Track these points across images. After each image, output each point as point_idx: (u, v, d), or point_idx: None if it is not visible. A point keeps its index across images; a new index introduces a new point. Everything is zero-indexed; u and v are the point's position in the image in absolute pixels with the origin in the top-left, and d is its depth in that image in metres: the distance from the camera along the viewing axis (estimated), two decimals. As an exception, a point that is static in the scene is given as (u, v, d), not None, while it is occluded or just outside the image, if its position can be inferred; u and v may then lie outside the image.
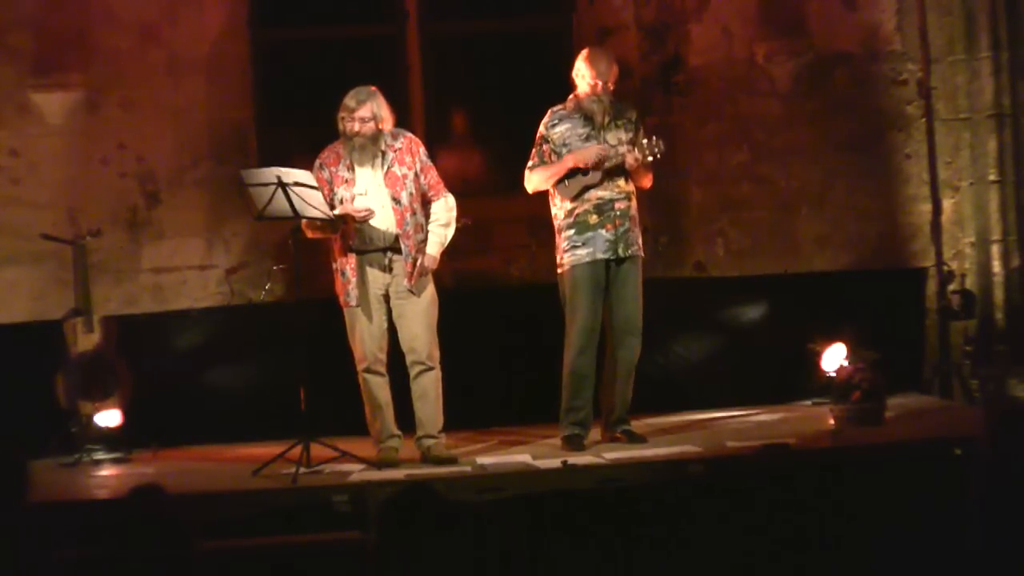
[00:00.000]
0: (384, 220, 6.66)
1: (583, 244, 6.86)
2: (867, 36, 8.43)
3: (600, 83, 6.88)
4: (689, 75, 8.41)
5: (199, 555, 3.80)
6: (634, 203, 6.95)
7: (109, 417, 7.38)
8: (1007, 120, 8.26)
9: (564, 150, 6.90)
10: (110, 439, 7.35)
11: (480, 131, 8.61)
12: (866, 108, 8.44)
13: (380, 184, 6.67)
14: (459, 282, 8.03)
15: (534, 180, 6.97)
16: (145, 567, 3.70)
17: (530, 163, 6.98)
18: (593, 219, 6.85)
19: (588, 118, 6.91)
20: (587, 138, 6.90)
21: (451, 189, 6.87)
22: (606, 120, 6.92)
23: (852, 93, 8.43)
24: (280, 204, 6.48)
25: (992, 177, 8.28)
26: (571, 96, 6.98)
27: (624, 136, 6.93)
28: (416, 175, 6.72)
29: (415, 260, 6.66)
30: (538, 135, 6.97)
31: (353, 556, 4.91)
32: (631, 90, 8.22)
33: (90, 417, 7.38)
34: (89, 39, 8.13)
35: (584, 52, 7.01)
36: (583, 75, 6.92)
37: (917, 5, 8.25)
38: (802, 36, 8.39)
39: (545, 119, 6.97)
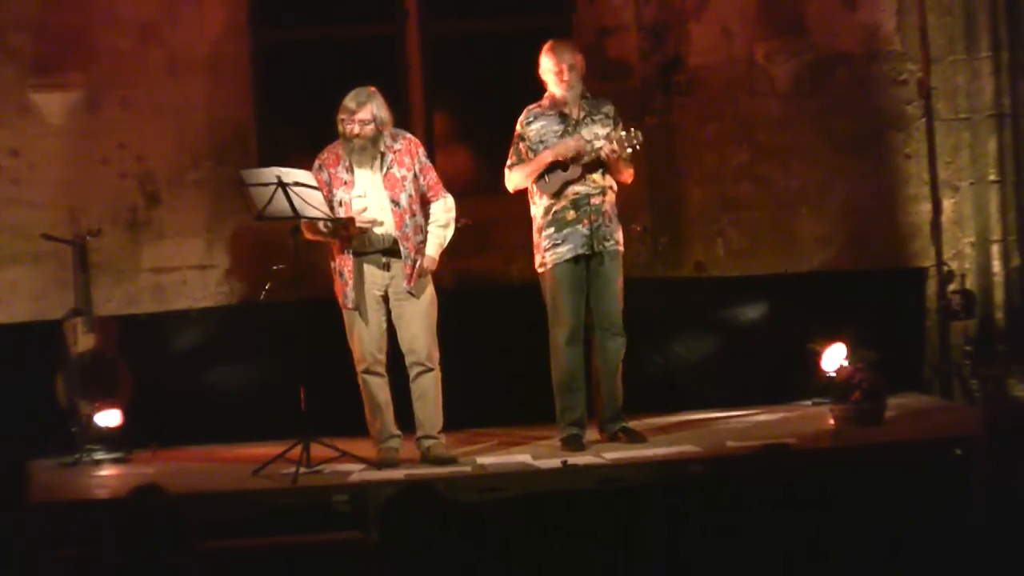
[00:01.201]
0: (383, 222, 6.65)
1: (563, 241, 6.86)
2: (867, 36, 8.42)
3: (566, 67, 6.86)
4: (689, 75, 8.40)
5: (199, 555, 3.80)
6: (610, 197, 6.93)
7: (109, 417, 7.38)
8: (1007, 120, 8.26)
9: (540, 147, 6.90)
10: (110, 439, 7.35)
11: (480, 131, 8.61)
12: (866, 108, 8.43)
13: (379, 186, 6.67)
14: (459, 282, 8.03)
15: (514, 179, 6.97)
16: (145, 567, 3.70)
17: (509, 162, 6.98)
18: (571, 215, 6.85)
19: (563, 115, 6.91)
20: (563, 134, 6.89)
21: (451, 189, 6.88)
22: (581, 115, 6.92)
23: (852, 93, 8.42)
24: (280, 204, 6.48)
25: (992, 177, 8.28)
26: (546, 94, 6.97)
27: (600, 131, 6.91)
28: (415, 176, 6.72)
29: (414, 262, 6.66)
30: (515, 134, 6.97)
31: (353, 556, 4.91)
32: (631, 90, 8.24)
33: (90, 417, 7.38)
34: (89, 39, 8.13)
35: (544, 47, 6.98)
36: (548, 68, 6.91)
37: (917, 5, 8.24)
38: (802, 36, 8.38)
39: (521, 117, 6.98)
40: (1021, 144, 8.27)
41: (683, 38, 8.41)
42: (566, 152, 6.82)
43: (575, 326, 6.88)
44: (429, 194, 6.75)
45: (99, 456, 7.28)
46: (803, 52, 8.38)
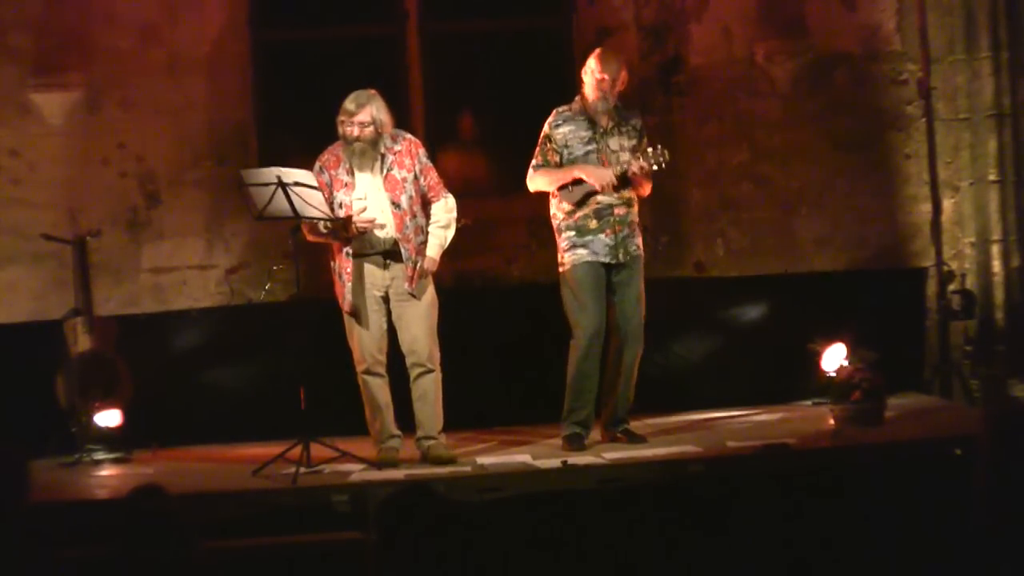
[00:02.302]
0: (384, 224, 6.65)
1: (584, 245, 6.85)
2: (867, 36, 8.43)
3: (606, 79, 6.85)
4: (689, 75, 8.40)
5: (200, 555, 3.80)
6: (635, 209, 6.95)
7: (109, 417, 7.38)
8: (1007, 120, 8.26)
9: (566, 152, 6.89)
10: (110, 439, 7.35)
11: (480, 131, 8.61)
12: (866, 108, 8.43)
13: (380, 188, 6.66)
14: (459, 282, 8.03)
15: (537, 181, 6.96)
16: (145, 567, 3.70)
17: (534, 162, 6.97)
18: (593, 224, 6.85)
19: (592, 121, 6.91)
20: (589, 141, 6.88)
21: (451, 189, 6.87)
22: (609, 125, 6.92)
23: (852, 93, 8.43)
24: (280, 204, 6.48)
25: (992, 177, 8.28)
26: (577, 97, 6.98)
27: (627, 143, 6.92)
28: (416, 177, 6.71)
29: (415, 263, 6.65)
30: (542, 134, 6.96)
31: (353, 556, 4.91)
32: (631, 90, 8.22)
33: (90, 417, 7.38)
34: (89, 39, 8.12)
35: (597, 50, 7.02)
36: (591, 70, 6.90)
37: (917, 5, 8.24)
38: (802, 36, 8.39)
39: (550, 118, 6.96)
40: (1021, 144, 8.27)
41: (683, 38, 8.41)
42: (594, 180, 6.78)
43: (597, 327, 6.86)
44: (430, 195, 6.75)
45: (99, 456, 7.28)
46: (803, 52, 8.39)
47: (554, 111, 6.98)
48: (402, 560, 3.50)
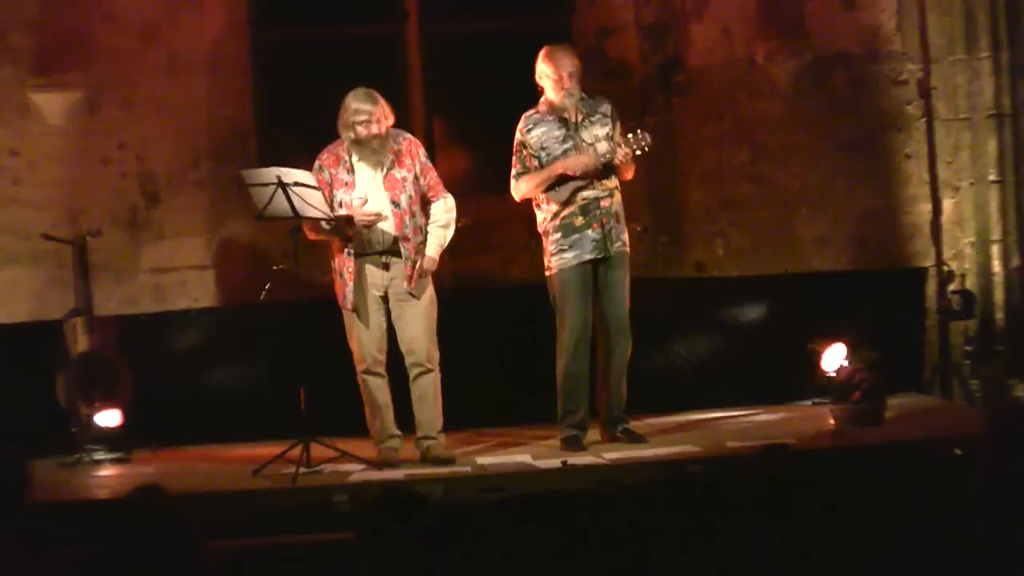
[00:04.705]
0: (384, 223, 6.65)
1: (570, 247, 6.84)
2: (867, 36, 8.42)
3: (565, 75, 6.83)
4: (689, 75, 8.41)
5: (201, 555, 3.80)
6: (618, 198, 6.93)
7: (109, 417, 7.38)
8: (1007, 120, 8.26)
9: (543, 154, 6.87)
10: (110, 439, 7.35)
11: (480, 131, 8.60)
12: (866, 108, 8.43)
13: (380, 187, 6.66)
14: (459, 282, 8.03)
15: (522, 188, 6.94)
16: (146, 567, 3.70)
17: (514, 171, 6.94)
18: (579, 221, 6.84)
19: (562, 119, 6.89)
20: (564, 139, 6.86)
21: (451, 189, 6.88)
22: (580, 118, 6.90)
23: (852, 93, 8.43)
24: (280, 204, 6.48)
25: (992, 177, 8.28)
26: (542, 99, 6.95)
27: (600, 132, 6.89)
28: (416, 177, 6.71)
29: (414, 262, 6.65)
30: (516, 142, 6.93)
31: (353, 556, 4.91)
32: (631, 90, 8.24)
33: (90, 417, 7.38)
34: (89, 39, 8.12)
35: (541, 53, 6.92)
36: (547, 75, 6.85)
37: (917, 5, 8.25)
38: (802, 36, 8.39)
39: (520, 125, 6.93)
40: (1021, 144, 8.27)
41: (683, 38, 8.41)
42: (580, 170, 6.78)
43: (582, 329, 6.87)
44: (430, 194, 6.75)
45: (99, 456, 7.28)
46: (803, 52, 8.38)
47: (523, 116, 6.94)
48: (383, 560, 3.51)
